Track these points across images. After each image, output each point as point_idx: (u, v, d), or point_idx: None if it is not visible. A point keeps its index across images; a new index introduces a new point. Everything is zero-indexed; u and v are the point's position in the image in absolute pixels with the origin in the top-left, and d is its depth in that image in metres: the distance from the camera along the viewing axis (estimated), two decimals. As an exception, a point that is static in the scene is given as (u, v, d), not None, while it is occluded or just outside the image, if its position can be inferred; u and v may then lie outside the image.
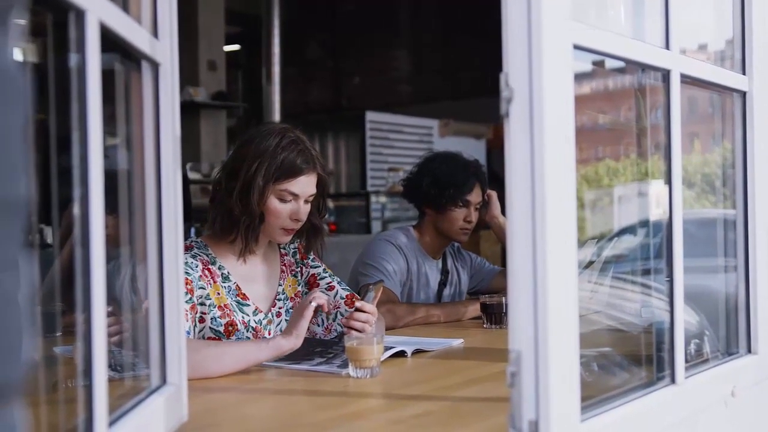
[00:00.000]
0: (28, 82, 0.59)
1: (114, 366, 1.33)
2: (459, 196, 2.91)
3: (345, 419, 1.51)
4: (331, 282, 2.31)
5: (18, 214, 0.57)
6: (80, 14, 0.95)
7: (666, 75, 1.46)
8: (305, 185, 2.13)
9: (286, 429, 1.48)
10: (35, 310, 0.61)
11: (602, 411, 1.27)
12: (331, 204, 7.62)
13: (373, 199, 7.39)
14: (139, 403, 1.21)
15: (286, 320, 2.23)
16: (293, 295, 2.28)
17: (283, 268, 2.30)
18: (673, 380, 1.47)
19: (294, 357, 1.98)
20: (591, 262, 2.13)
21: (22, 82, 0.58)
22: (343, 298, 2.27)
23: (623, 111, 2.01)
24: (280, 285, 2.26)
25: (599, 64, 1.46)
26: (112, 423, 1.06)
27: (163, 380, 1.33)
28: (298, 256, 2.33)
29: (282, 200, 2.11)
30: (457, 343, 2.28)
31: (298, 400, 1.68)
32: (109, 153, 1.11)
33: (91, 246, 0.97)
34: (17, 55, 0.59)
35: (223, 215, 2.13)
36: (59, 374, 1.32)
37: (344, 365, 1.86)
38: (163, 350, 1.34)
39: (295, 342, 1.89)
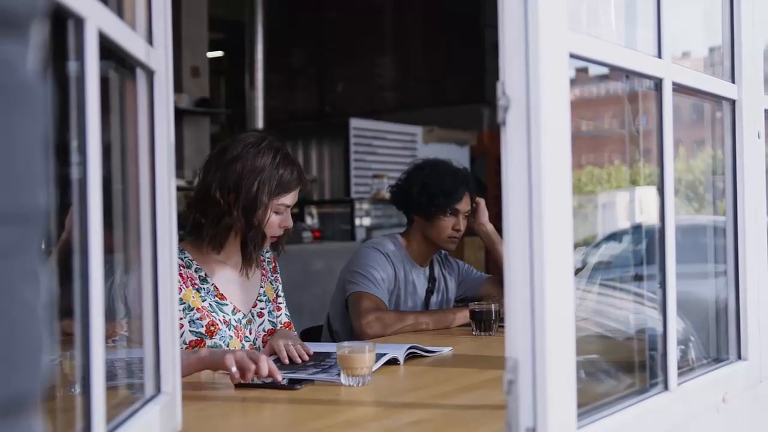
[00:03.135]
0: (47, 92, 0.59)
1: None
2: (448, 204, 2.90)
3: (339, 428, 1.51)
4: (281, 303, 2.43)
5: (38, 224, 0.57)
6: (79, 22, 0.95)
7: (659, 83, 1.47)
8: (296, 196, 2.27)
9: (279, 438, 1.47)
10: (53, 320, 0.61)
11: (598, 418, 1.28)
12: (314, 211, 7.62)
13: (357, 206, 7.37)
14: (134, 413, 1.20)
15: (269, 320, 2.32)
16: (272, 299, 2.38)
17: (263, 272, 2.38)
18: (666, 387, 1.48)
19: (289, 367, 1.97)
20: (578, 270, 2.14)
21: (43, 92, 0.58)
22: (281, 324, 2.36)
23: (606, 118, 2.02)
24: (261, 287, 2.35)
25: (583, 71, 1.47)
26: (108, 433, 1.05)
27: (158, 389, 1.32)
28: (271, 267, 2.43)
29: (277, 213, 2.22)
30: (446, 350, 2.28)
31: (291, 408, 1.68)
32: (102, 160, 1.10)
33: (89, 254, 0.97)
34: (37, 65, 0.59)
35: (223, 231, 2.18)
36: (55, 383, 1.31)
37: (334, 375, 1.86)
38: (158, 359, 1.33)
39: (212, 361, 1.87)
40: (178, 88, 7.19)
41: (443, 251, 3.10)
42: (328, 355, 2.11)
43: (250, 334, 2.26)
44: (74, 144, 0.97)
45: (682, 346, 1.76)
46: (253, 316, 2.29)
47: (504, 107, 1.15)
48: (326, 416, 1.59)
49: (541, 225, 1.12)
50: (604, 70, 1.52)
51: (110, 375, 1.36)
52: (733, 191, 1.78)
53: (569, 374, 1.17)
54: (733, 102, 1.77)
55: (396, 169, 6.93)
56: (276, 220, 2.22)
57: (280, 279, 2.45)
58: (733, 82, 1.77)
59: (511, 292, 1.14)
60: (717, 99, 1.78)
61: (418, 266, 3.02)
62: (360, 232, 7.22)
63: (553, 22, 1.14)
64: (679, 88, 1.54)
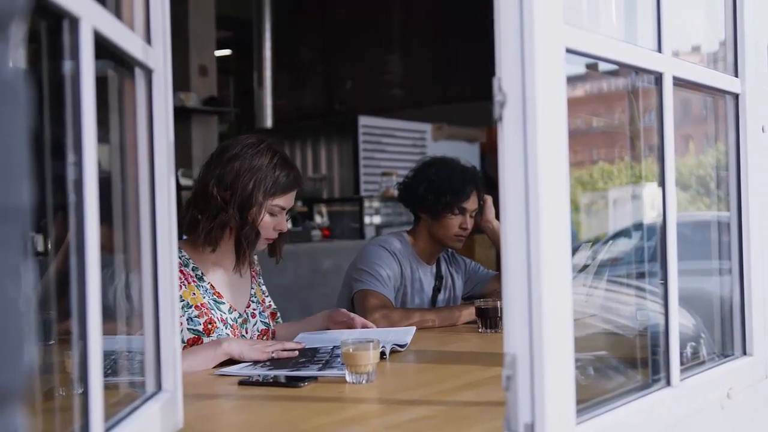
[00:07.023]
0: (28, 89, 0.60)
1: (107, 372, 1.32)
2: (455, 203, 2.89)
3: (342, 424, 1.51)
4: (268, 298, 2.46)
5: (19, 220, 0.58)
6: (74, 21, 0.95)
7: (659, 78, 1.46)
8: (292, 199, 2.29)
9: (282, 435, 1.47)
10: (36, 316, 0.61)
11: (598, 413, 1.28)
12: (324, 209, 7.62)
13: (366, 204, 7.37)
14: (134, 410, 1.21)
15: (261, 321, 2.36)
16: (261, 301, 2.41)
17: (254, 274, 2.43)
18: (668, 382, 1.47)
19: (287, 366, 1.97)
20: (586, 266, 2.13)
21: (23, 90, 0.59)
22: (258, 332, 2.36)
23: (617, 114, 2.01)
24: (252, 288, 2.39)
25: (592, 67, 1.47)
26: (107, 430, 1.06)
27: (159, 387, 1.33)
28: (258, 270, 2.47)
29: (271, 214, 2.25)
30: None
31: (293, 405, 1.68)
32: (101, 160, 1.11)
33: (86, 254, 0.97)
34: (17, 63, 0.60)
35: (218, 227, 2.21)
36: (55, 382, 1.32)
37: (343, 368, 1.85)
38: (158, 357, 1.33)
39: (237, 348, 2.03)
40: (186, 86, 7.20)
41: (450, 249, 3.10)
42: (315, 351, 2.12)
43: (246, 333, 2.30)
44: (71, 145, 0.98)
45: (693, 343, 1.75)
46: (247, 316, 2.33)
47: (500, 103, 1.15)
48: (330, 413, 1.59)
49: (538, 220, 1.12)
50: (615, 66, 1.52)
51: (113, 372, 1.36)
52: (737, 186, 1.77)
53: (568, 369, 1.17)
54: (736, 96, 1.76)
55: (405, 167, 6.91)
56: (270, 222, 2.25)
57: (262, 281, 2.49)
58: (737, 75, 1.76)
59: (508, 287, 1.14)
60: (720, 93, 1.77)
61: (424, 264, 3.02)
62: (369, 230, 7.22)
63: (548, 16, 1.14)
64: (680, 83, 1.53)
